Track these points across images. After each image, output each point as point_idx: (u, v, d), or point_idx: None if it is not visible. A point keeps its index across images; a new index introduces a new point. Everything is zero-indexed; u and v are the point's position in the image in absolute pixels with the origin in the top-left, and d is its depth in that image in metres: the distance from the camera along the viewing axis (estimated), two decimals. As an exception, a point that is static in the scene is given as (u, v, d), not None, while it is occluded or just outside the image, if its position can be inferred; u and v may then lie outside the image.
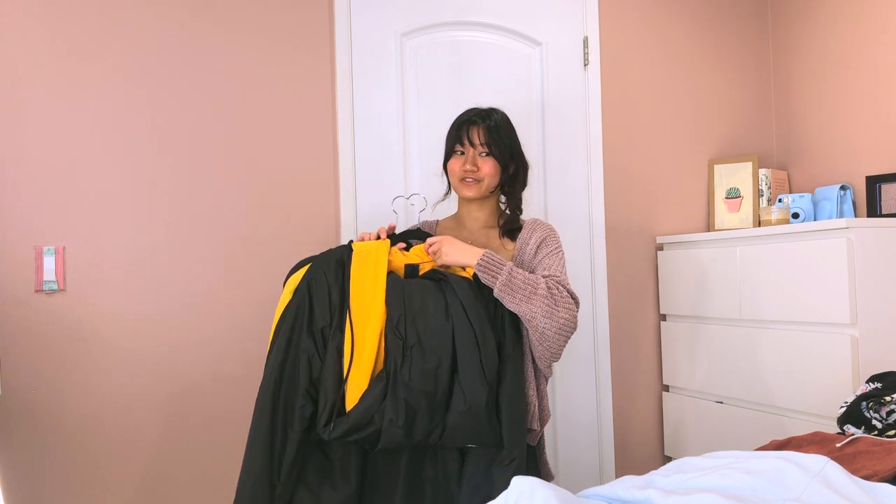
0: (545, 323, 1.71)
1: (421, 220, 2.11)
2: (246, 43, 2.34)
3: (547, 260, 1.85)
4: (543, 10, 2.70)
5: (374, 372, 1.65)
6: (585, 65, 2.76)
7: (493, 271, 1.72)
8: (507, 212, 1.99)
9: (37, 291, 2.09)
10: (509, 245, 1.93)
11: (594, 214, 2.74)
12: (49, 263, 2.09)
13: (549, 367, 1.83)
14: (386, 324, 1.68)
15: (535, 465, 1.86)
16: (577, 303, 1.78)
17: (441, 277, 1.76)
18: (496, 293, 1.71)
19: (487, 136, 1.89)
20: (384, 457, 1.71)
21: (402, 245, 1.86)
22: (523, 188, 1.99)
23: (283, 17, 2.39)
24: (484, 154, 1.90)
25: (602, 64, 2.78)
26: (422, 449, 1.70)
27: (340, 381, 1.65)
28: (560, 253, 1.88)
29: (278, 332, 1.72)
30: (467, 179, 1.91)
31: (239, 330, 2.31)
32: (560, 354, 1.78)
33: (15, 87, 2.09)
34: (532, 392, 1.80)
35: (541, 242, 1.88)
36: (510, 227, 1.94)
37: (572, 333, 1.76)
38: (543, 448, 1.91)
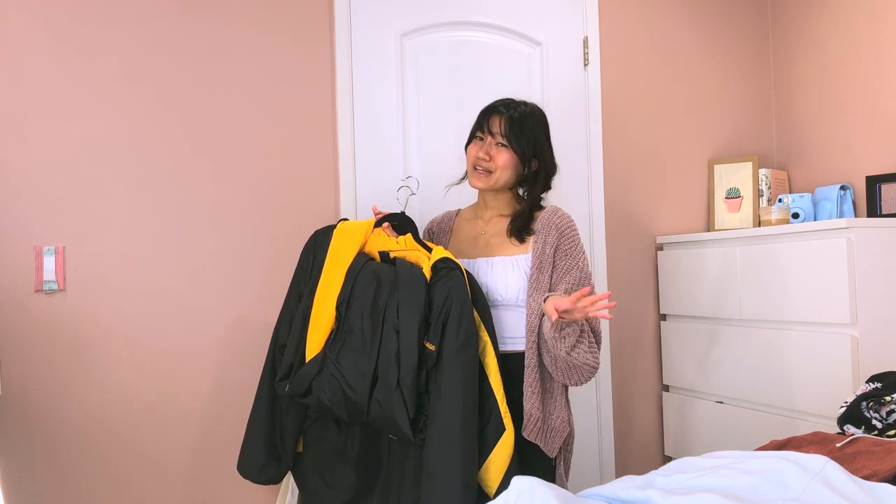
0: (585, 359, 1.71)
1: (444, 210, 2.09)
2: (246, 43, 2.34)
3: (568, 278, 1.78)
4: (543, 10, 2.70)
5: (325, 343, 1.75)
6: (585, 65, 2.76)
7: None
8: (520, 208, 1.90)
9: (37, 291, 2.09)
10: (515, 242, 1.86)
11: (594, 214, 2.74)
12: (49, 263, 2.09)
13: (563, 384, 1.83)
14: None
15: (550, 478, 1.82)
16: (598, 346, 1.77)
17: (391, 263, 1.79)
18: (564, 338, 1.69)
19: (508, 127, 1.82)
20: (396, 441, 1.72)
21: (388, 225, 1.90)
22: (544, 191, 1.92)
23: (284, 17, 2.39)
24: (500, 145, 1.84)
25: (602, 64, 2.78)
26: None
27: (300, 344, 1.76)
28: (577, 266, 1.80)
29: (287, 292, 1.94)
30: (478, 168, 1.85)
31: (240, 328, 2.30)
32: (578, 384, 1.78)
33: (15, 87, 2.09)
34: (534, 403, 1.74)
35: (559, 243, 1.81)
36: (518, 226, 1.86)
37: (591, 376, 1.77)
38: (560, 462, 1.86)
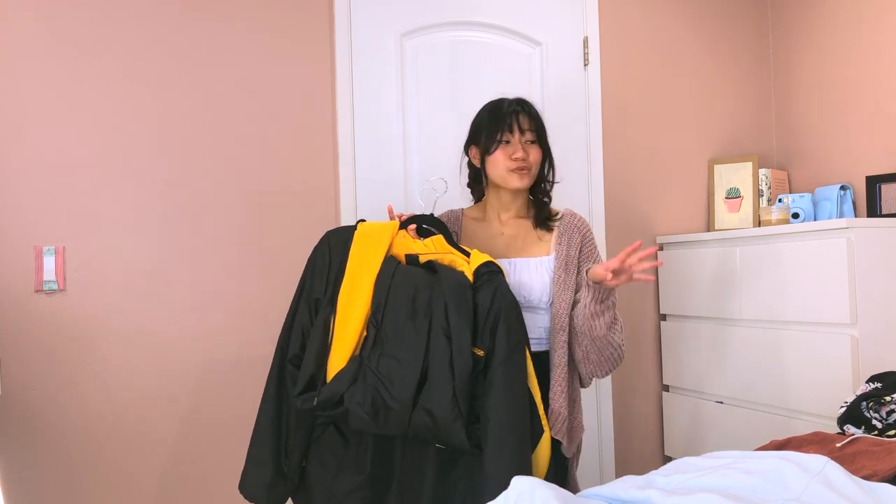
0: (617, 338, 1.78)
1: (448, 209, 2.08)
2: (247, 43, 2.34)
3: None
4: (543, 10, 2.70)
5: (354, 352, 1.65)
6: (585, 65, 2.76)
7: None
8: (536, 201, 1.94)
9: (37, 291, 2.09)
10: (545, 237, 1.89)
11: (594, 214, 2.73)
12: (49, 263, 2.09)
13: (590, 378, 1.85)
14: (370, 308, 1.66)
15: (563, 479, 1.82)
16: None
17: (434, 270, 1.70)
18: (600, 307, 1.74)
19: (533, 123, 1.85)
20: (411, 448, 1.68)
21: (414, 227, 1.80)
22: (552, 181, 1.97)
23: (284, 17, 2.39)
24: (531, 142, 1.85)
25: (602, 64, 2.78)
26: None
27: (320, 355, 1.66)
28: (599, 259, 1.89)
29: (293, 299, 1.77)
30: (519, 170, 1.83)
31: (240, 328, 2.31)
32: (607, 373, 1.84)
33: (15, 86, 2.09)
34: (562, 403, 1.75)
35: (582, 246, 1.86)
36: (544, 217, 1.90)
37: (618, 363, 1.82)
38: (574, 462, 1.86)
